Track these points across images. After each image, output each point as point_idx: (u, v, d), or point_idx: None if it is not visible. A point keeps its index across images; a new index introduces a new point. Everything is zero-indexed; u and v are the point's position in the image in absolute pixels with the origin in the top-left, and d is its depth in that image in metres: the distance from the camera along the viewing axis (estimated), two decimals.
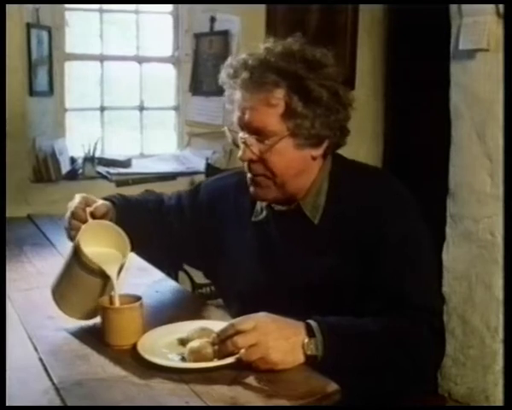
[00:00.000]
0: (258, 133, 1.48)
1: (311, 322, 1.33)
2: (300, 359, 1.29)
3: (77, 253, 1.42)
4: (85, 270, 1.41)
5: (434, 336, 1.45)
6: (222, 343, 1.28)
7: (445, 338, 1.52)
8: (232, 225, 1.67)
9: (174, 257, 1.82)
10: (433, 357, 1.49)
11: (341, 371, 1.27)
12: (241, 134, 1.51)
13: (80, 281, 1.43)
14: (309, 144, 1.50)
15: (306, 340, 1.30)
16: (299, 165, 1.52)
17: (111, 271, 1.41)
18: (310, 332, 1.31)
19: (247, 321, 1.29)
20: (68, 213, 1.56)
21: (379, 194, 1.53)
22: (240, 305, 1.52)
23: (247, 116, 1.48)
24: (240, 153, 1.52)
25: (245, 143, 1.50)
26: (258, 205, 1.63)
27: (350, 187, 1.55)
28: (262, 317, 1.31)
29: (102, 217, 1.54)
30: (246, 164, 1.54)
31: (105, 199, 1.64)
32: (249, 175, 1.55)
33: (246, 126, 1.49)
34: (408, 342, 1.40)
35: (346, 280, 1.49)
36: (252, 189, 1.56)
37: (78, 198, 1.57)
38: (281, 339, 1.27)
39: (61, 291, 1.47)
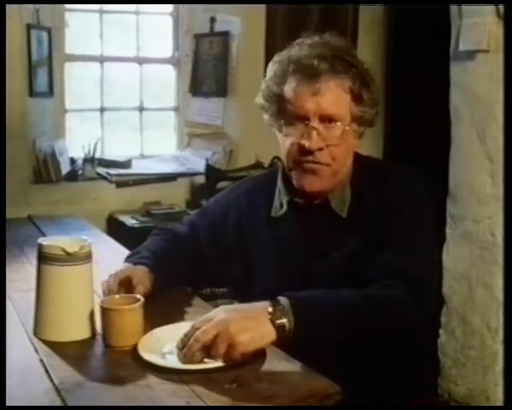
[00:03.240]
0: (329, 119, 1.52)
1: (279, 297, 1.33)
2: (271, 332, 1.29)
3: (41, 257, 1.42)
4: (52, 262, 1.40)
5: (416, 302, 1.42)
6: (186, 348, 1.28)
7: (427, 307, 1.49)
8: (249, 227, 1.68)
9: (201, 282, 1.83)
10: (404, 319, 1.44)
11: (318, 341, 1.29)
12: (310, 123, 1.52)
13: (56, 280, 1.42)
14: (359, 133, 1.59)
15: (271, 309, 1.30)
16: (351, 154, 1.60)
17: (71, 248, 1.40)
18: (275, 303, 1.32)
19: (205, 318, 1.31)
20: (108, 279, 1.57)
21: (398, 185, 1.58)
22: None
23: (322, 103, 1.51)
24: (307, 142, 1.52)
25: (316, 130, 1.52)
26: (277, 201, 1.64)
27: (370, 182, 1.59)
28: (219, 309, 1.34)
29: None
30: (307, 154, 1.53)
31: (142, 262, 1.64)
32: (307, 166, 1.55)
33: (317, 113, 1.52)
34: (386, 305, 1.40)
35: (366, 268, 1.50)
36: (305, 180, 1.56)
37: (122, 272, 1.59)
38: (241, 320, 1.28)
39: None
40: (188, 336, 1.30)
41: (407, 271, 1.45)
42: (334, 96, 1.52)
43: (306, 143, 1.52)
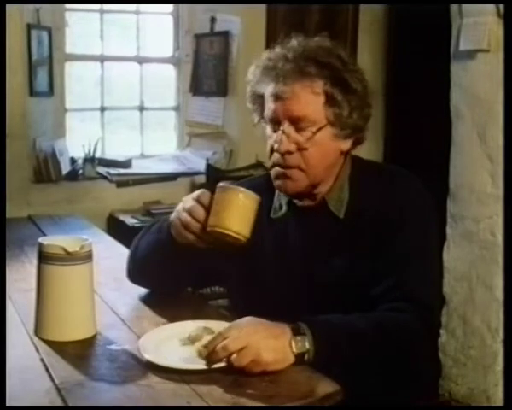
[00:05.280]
0: (299, 122, 1.49)
1: (299, 322, 1.33)
2: (290, 358, 1.29)
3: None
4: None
5: (425, 329, 1.46)
6: (212, 352, 1.26)
7: (433, 333, 1.54)
8: None
9: (200, 281, 1.79)
10: (419, 351, 1.48)
11: (333, 369, 1.27)
12: (280, 126, 1.50)
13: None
14: (343, 136, 1.53)
15: (293, 338, 1.29)
16: (331, 158, 1.54)
17: None
18: (296, 331, 1.31)
19: (234, 327, 1.30)
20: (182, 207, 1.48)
21: (399, 191, 1.56)
22: (260, 304, 1.49)
23: (288, 105, 1.48)
24: (276, 145, 1.50)
25: (284, 133, 1.49)
26: (277, 202, 1.63)
27: (370, 185, 1.57)
28: (248, 320, 1.32)
29: None
30: (277, 157, 1.51)
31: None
32: (278, 169, 1.53)
33: (285, 116, 1.49)
34: (398, 337, 1.41)
35: (366, 274, 1.50)
36: (279, 182, 1.54)
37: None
38: (270, 338, 1.27)
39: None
40: (213, 342, 1.27)
41: (419, 297, 1.45)
42: (300, 99, 1.47)
43: (275, 146, 1.51)
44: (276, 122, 1.52)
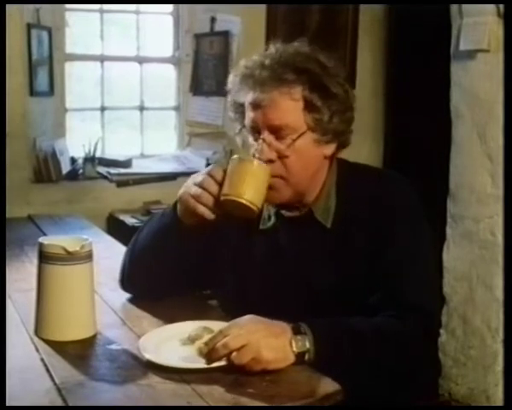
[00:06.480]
0: (279, 131, 1.47)
1: (300, 322, 1.33)
2: (291, 357, 1.28)
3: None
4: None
5: (424, 335, 1.46)
6: (212, 350, 1.26)
7: (434, 336, 1.54)
8: (237, 238, 1.63)
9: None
10: (419, 355, 1.49)
11: (333, 369, 1.27)
12: (260, 135, 1.48)
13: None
14: (325, 141, 1.50)
15: (293, 337, 1.30)
16: (315, 164, 1.52)
17: None
18: (297, 330, 1.31)
19: (235, 325, 1.30)
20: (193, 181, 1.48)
21: (387, 195, 1.54)
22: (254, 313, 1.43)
23: (267, 114, 1.47)
24: (257, 154, 1.48)
25: (264, 142, 1.47)
26: (265, 213, 1.60)
27: (357, 189, 1.55)
28: (249, 318, 1.32)
29: None
30: None
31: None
32: None
33: (265, 125, 1.47)
34: (397, 341, 1.41)
35: (358, 281, 1.49)
36: None
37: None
38: (271, 337, 1.27)
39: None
40: (214, 340, 1.27)
41: (418, 302, 1.46)
42: (279, 106, 1.45)
43: (256, 155, 1.48)
44: (256, 131, 1.50)
